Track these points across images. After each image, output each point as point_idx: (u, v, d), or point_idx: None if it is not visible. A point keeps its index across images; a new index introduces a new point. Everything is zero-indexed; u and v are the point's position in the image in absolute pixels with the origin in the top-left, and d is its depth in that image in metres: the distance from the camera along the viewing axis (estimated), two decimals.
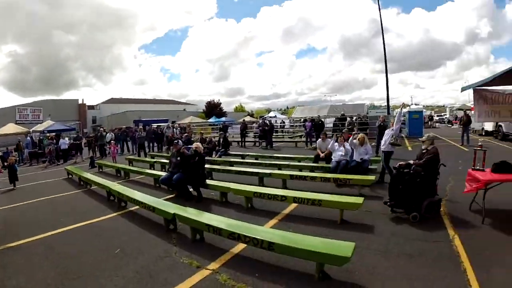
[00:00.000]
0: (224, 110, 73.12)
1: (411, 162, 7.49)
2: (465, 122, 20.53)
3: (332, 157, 10.96)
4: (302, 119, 27.76)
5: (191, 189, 9.31)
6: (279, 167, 12.41)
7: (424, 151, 7.44)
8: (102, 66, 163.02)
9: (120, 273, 5.14)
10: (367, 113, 27.60)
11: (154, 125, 28.35)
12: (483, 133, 26.14)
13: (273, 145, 23.11)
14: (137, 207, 8.20)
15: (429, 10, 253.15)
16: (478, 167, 7.47)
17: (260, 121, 26.89)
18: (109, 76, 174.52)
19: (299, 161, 13.68)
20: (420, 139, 7.71)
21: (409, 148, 19.59)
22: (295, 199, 7.44)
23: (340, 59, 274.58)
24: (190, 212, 6.59)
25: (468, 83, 7.53)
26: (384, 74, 26.09)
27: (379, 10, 25.98)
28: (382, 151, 9.85)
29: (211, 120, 46.03)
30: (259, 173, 10.78)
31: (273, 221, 7.17)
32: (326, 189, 9.30)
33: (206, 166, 12.02)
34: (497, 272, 4.82)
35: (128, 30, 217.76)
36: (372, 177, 9.14)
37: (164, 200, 8.68)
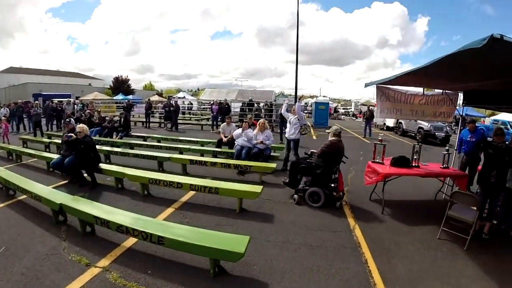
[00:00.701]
0: (132, 88, 69.69)
1: (314, 151, 7.75)
2: (368, 116, 22.13)
3: (236, 142, 10.66)
4: (210, 102, 27.07)
5: (85, 174, 8.42)
6: (181, 151, 11.82)
7: None
8: (3, 28, 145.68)
9: (5, 276, 4.32)
10: (274, 100, 27.88)
11: (55, 101, 25.66)
12: (385, 128, 27.98)
13: (179, 128, 22.45)
14: (25, 196, 7.07)
15: (347, 11, 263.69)
16: (378, 160, 7.69)
17: (166, 101, 25.89)
18: (9, 40, 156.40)
19: (202, 145, 13.30)
20: (327, 131, 7.74)
21: (314, 137, 20.09)
22: (191, 187, 7.04)
23: (255, 45, 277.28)
24: (78, 203, 5.80)
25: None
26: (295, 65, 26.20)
27: (298, 2, 25.99)
28: (292, 139, 9.79)
29: (118, 97, 43.52)
30: (157, 157, 10.17)
31: (169, 210, 6.70)
32: (227, 176, 9.12)
33: (105, 148, 11.35)
34: (397, 263, 4.92)
35: None
36: (273, 165, 9.09)
37: (55, 187, 7.82)
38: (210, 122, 23.33)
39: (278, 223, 6.20)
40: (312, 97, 68.88)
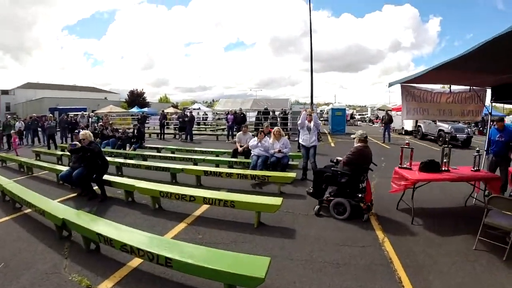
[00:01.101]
0: (147, 100, 70.94)
1: (339, 158, 7.25)
2: (387, 121, 21.68)
3: (252, 152, 10.19)
4: (226, 112, 26.69)
5: (95, 187, 8.05)
6: (195, 161, 11.45)
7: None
8: (21, 46, 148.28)
9: None
10: (290, 108, 27.28)
11: (71, 114, 25.72)
12: (403, 132, 27.52)
13: (193, 138, 22.14)
14: (30, 210, 6.71)
15: (358, 16, 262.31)
16: (405, 166, 7.14)
17: (180, 112, 25.58)
18: (27, 58, 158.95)
19: (217, 156, 12.87)
20: (352, 136, 7.23)
21: (332, 145, 19.42)
22: (205, 200, 6.51)
23: (268, 55, 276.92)
24: (82, 218, 5.38)
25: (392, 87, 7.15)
26: (309, 73, 25.83)
27: (310, 10, 25.80)
28: (312, 146, 9.38)
29: (133, 110, 43.67)
30: (170, 168, 9.72)
31: (181, 225, 6.21)
32: (244, 187, 8.67)
33: (118, 160, 11.01)
34: (433, 279, 4.39)
35: (52, 8, 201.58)
36: (292, 174, 8.51)
37: (63, 200, 7.51)
38: (225, 132, 22.84)
39: (300, 238, 5.66)
40: (327, 104, 68.31)
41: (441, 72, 5.88)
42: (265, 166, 9.61)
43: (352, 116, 51.33)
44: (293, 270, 4.57)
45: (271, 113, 25.56)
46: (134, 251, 4.24)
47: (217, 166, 10.79)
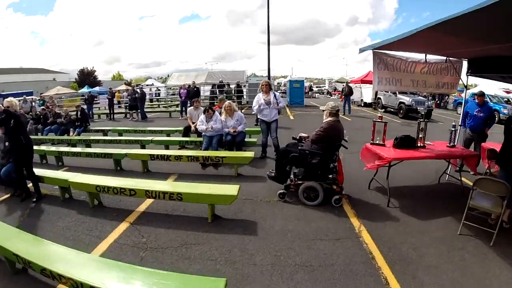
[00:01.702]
0: (99, 79, 68.17)
1: (304, 135, 6.43)
2: (347, 92, 21.11)
3: (201, 131, 9.04)
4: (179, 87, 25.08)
5: (30, 184, 6.70)
6: (143, 144, 10.26)
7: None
8: None
9: None
10: (246, 81, 26.21)
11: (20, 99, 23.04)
12: (362, 104, 27.27)
13: (146, 117, 20.69)
14: None
15: None
16: (377, 141, 6.45)
17: (130, 89, 23.87)
18: None
19: (168, 135, 11.79)
20: (320, 108, 6.28)
21: (291, 117, 19.07)
22: (147, 193, 5.38)
23: (224, 28, 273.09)
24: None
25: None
26: (266, 46, 24.79)
27: None
28: (273, 120, 8.58)
29: (83, 90, 41.18)
30: (113, 154, 8.46)
31: (122, 226, 5.16)
32: (196, 171, 7.87)
33: (58, 149, 9.56)
34: (423, 277, 3.78)
35: None
36: (250, 154, 7.61)
37: None
38: (178, 109, 21.33)
39: (263, 233, 4.79)
40: (284, 77, 67.70)
41: (418, 38, 5.03)
42: (220, 145, 8.75)
43: (310, 88, 50.71)
44: (257, 280, 3.71)
45: (226, 86, 24.42)
46: (56, 277, 3.24)
47: (167, 147, 9.81)
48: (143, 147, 10.03)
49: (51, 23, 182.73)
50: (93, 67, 69.68)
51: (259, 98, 8.50)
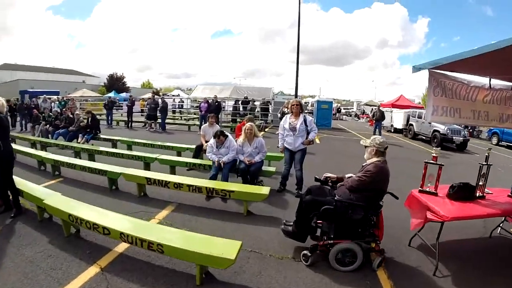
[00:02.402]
0: (127, 85, 69.01)
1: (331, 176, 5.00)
2: (379, 117, 19.79)
3: (211, 157, 7.63)
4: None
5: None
6: (147, 161, 8.96)
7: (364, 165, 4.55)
8: (2, 25, 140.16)
9: None
10: (273, 98, 25.07)
11: (40, 98, 22.79)
12: (392, 130, 25.96)
13: (166, 128, 19.73)
14: None
15: (347, 11, 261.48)
16: (428, 188, 5.05)
17: (150, 98, 22.83)
18: (7, 38, 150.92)
19: (179, 153, 10.52)
20: (362, 142, 4.63)
21: (317, 141, 17.31)
22: (122, 236, 4.13)
23: (255, 45, 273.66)
24: None
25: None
26: (295, 65, 24.12)
27: (299, 2, 24.54)
28: (299, 150, 7.21)
29: (110, 94, 40.67)
30: (107, 172, 7.34)
31: (91, 271, 3.96)
32: (199, 202, 6.62)
33: (57, 158, 8.52)
34: None
35: None
36: (265, 190, 6.12)
37: None
38: (198, 122, 20.42)
39: None
40: (312, 96, 66.85)
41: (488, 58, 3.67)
42: (232, 169, 7.47)
43: (338, 110, 49.47)
44: None
45: (250, 103, 23.10)
46: None
47: (173, 169, 8.59)
48: (146, 165, 8.84)
49: (88, 27, 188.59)
50: (122, 73, 70.27)
51: (285, 121, 7.32)
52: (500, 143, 23.20)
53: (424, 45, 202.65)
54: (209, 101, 19.72)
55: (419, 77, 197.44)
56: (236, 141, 7.62)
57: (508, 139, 22.50)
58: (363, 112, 49.60)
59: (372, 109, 22.70)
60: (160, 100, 20.20)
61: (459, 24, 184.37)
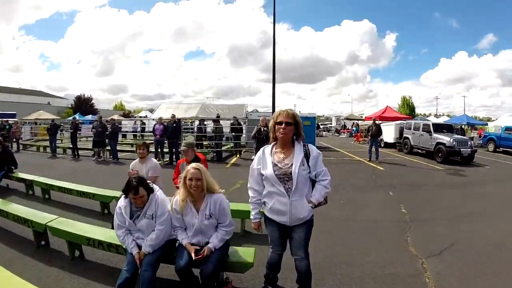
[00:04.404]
0: (95, 107, 66.33)
1: None
2: (375, 132, 16.34)
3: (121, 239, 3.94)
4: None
5: None
6: (35, 229, 5.09)
7: None
8: None
9: None
10: (246, 116, 21.41)
11: None
12: (382, 145, 22.91)
13: (118, 157, 15.71)
14: None
15: (317, 30, 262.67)
16: None
17: (96, 120, 17.86)
18: None
19: (104, 206, 6.98)
20: None
21: None
22: None
23: (227, 65, 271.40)
24: None
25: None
26: (268, 83, 21.70)
27: (274, 23, 22.10)
28: (296, 223, 3.46)
29: (75, 117, 36.92)
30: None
31: None
32: None
33: None
34: None
35: (11, 5, 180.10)
36: None
37: None
38: (153, 150, 15.64)
39: None
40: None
41: None
42: (166, 260, 3.91)
43: (318, 126, 46.59)
44: None
45: (214, 123, 18.12)
46: None
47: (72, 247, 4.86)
48: (37, 236, 5.18)
49: (60, 49, 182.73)
50: (90, 95, 68.23)
51: (263, 158, 3.50)
52: (497, 150, 22.87)
53: (393, 59, 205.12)
54: (166, 122, 15.70)
55: (391, 89, 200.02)
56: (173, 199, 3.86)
57: (506, 144, 22.30)
58: (344, 127, 47.70)
59: (354, 123, 19.56)
60: (108, 124, 16.32)
61: (426, 37, 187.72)
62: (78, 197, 7.47)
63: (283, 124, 3.32)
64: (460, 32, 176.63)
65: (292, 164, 3.31)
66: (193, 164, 3.75)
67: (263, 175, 3.44)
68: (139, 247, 3.74)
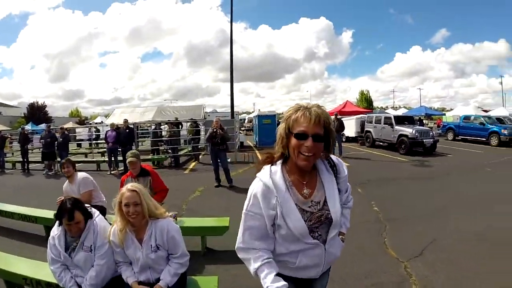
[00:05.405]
0: (50, 115, 63.89)
1: None
2: (338, 128, 16.00)
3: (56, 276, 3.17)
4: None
5: None
6: None
7: None
8: None
9: None
10: (204, 117, 20.66)
11: None
12: (344, 140, 22.56)
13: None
14: None
15: (275, 28, 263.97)
16: None
17: (45, 130, 16.39)
18: None
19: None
20: None
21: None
22: None
23: (185, 65, 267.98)
24: None
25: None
26: (227, 83, 21.36)
27: (231, 22, 21.95)
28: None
29: (28, 126, 35.27)
30: None
31: None
32: None
33: None
34: None
35: None
36: None
37: None
38: (106, 158, 14.82)
39: None
40: (247, 113, 65.22)
41: None
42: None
43: (278, 124, 46.51)
44: None
45: (170, 126, 17.41)
46: None
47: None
48: None
49: (12, 54, 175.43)
50: (44, 102, 65.69)
51: (273, 189, 1.80)
52: (456, 138, 23.82)
53: (350, 55, 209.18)
54: (119, 128, 14.53)
55: (348, 84, 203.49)
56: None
57: (464, 132, 23.16)
58: None
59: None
60: (58, 134, 15.16)
61: (382, 33, 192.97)
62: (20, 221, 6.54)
63: (309, 139, 1.70)
64: (414, 28, 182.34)
65: (325, 201, 1.89)
66: (128, 185, 2.97)
67: (279, 226, 1.83)
68: (80, 286, 3.02)
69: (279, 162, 1.88)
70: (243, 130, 34.34)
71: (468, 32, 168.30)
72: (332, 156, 2.00)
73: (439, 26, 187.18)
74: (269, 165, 1.90)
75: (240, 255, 1.92)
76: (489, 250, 4.90)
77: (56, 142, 14.66)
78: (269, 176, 1.81)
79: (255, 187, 1.85)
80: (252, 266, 1.84)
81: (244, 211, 1.86)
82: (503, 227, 5.73)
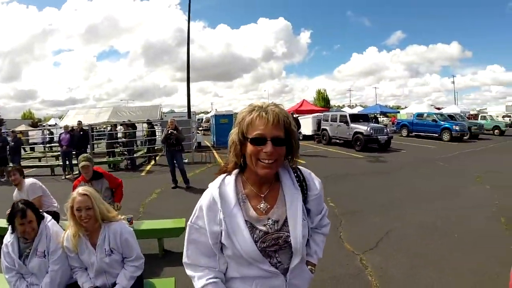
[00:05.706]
0: (1, 117, 59.08)
1: None
2: None
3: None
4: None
5: None
6: None
7: None
8: None
9: None
10: (161, 118, 20.47)
11: None
12: (301, 138, 23.35)
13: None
14: None
15: (234, 27, 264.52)
16: None
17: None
18: None
19: None
20: None
21: (220, 160, 14.89)
22: None
23: (142, 64, 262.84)
24: None
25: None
26: (185, 82, 21.94)
27: (189, 21, 22.07)
28: None
29: None
30: None
31: None
32: None
33: None
34: None
35: None
36: None
37: None
38: (60, 162, 14.16)
39: None
40: (205, 112, 64.87)
41: None
42: None
43: None
44: None
45: (124, 127, 16.93)
46: None
47: None
48: None
49: None
50: None
51: (218, 204, 1.51)
52: (410, 135, 25.26)
53: (307, 55, 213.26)
54: (73, 130, 14.02)
55: (306, 84, 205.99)
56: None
57: (418, 129, 24.47)
58: None
59: None
60: (9, 137, 14.51)
61: (339, 34, 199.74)
62: None
63: (269, 144, 1.42)
64: (371, 30, 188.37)
65: (285, 221, 1.57)
66: (79, 189, 2.91)
67: (225, 246, 1.56)
68: None
69: (234, 172, 1.62)
70: (201, 130, 33.91)
71: (423, 34, 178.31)
72: (304, 169, 1.74)
73: (395, 28, 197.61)
74: (224, 174, 1.64)
75: (187, 271, 1.73)
76: (440, 239, 5.14)
77: (8, 147, 14.03)
78: (217, 187, 1.57)
79: (203, 198, 1.61)
80: (196, 285, 1.66)
81: (189, 222, 1.64)
82: (453, 218, 6.04)
